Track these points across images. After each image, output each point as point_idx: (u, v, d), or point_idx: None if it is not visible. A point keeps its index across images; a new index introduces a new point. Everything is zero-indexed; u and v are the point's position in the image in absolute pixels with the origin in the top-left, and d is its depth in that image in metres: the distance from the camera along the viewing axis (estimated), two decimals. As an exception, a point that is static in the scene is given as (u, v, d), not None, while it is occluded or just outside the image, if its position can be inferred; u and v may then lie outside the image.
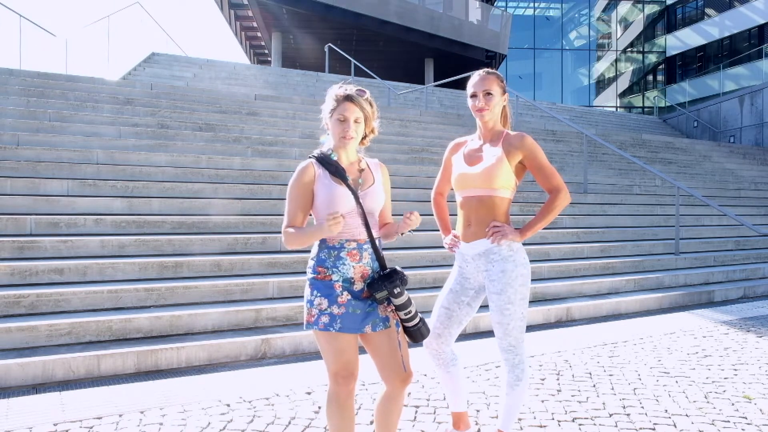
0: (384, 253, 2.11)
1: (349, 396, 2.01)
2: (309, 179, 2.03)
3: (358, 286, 2.01)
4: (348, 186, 2.00)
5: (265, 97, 10.04)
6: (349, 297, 1.98)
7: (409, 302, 2.01)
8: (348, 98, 2.02)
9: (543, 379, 3.47)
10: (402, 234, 2.11)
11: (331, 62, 16.26)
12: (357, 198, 2.01)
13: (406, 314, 2.01)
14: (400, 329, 2.08)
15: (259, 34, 28.51)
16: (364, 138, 2.14)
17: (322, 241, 2.03)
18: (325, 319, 1.96)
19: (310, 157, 2.08)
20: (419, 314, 2.07)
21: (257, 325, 4.37)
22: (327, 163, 2.03)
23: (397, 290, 1.95)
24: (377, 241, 2.08)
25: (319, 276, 2.01)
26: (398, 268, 2.00)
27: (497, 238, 2.25)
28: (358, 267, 2.00)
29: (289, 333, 4.20)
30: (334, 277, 1.99)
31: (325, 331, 1.96)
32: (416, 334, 2.06)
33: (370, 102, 2.08)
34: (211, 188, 6.08)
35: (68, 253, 4.63)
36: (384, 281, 1.94)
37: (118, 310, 4.13)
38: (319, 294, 1.99)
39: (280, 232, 5.66)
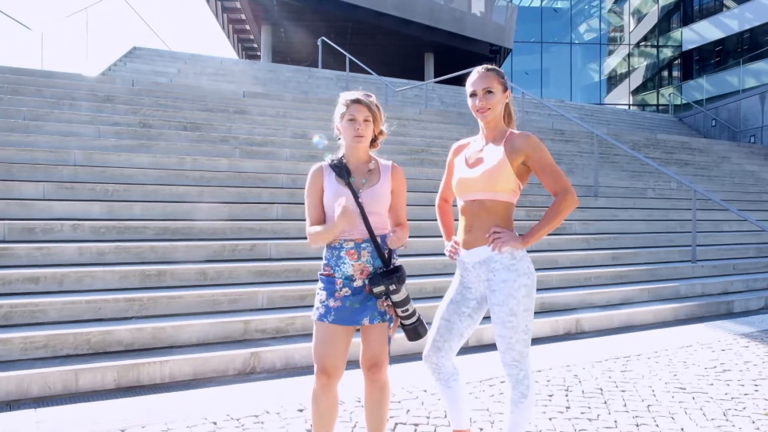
0: None
1: (321, 389, 2.25)
2: (317, 179, 2.36)
3: (359, 282, 2.27)
4: (348, 185, 2.27)
5: (254, 95, 10.07)
6: (349, 292, 2.26)
7: (407, 300, 2.27)
8: (356, 101, 2.30)
9: (551, 395, 3.49)
10: (389, 247, 2.31)
11: (325, 57, 16.31)
12: (356, 197, 2.25)
13: (403, 311, 2.27)
14: (394, 325, 2.33)
15: (247, 27, 28.56)
16: (374, 140, 2.41)
17: (328, 243, 2.31)
18: (321, 310, 2.27)
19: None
20: (418, 314, 2.33)
21: (246, 338, 4.37)
22: (335, 164, 2.34)
23: (393, 287, 2.20)
24: (379, 239, 2.29)
25: (325, 273, 2.32)
26: (401, 265, 2.27)
27: (498, 245, 2.25)
28: (357, 265, 2.26)
29: (280, 346, 4.22)
30: (337, 275, 2.28)
31: (318, 321, 2.28)
32: (411, 332, 2.32)
33: (377, 105, 2.35)
34: (196, 191, 6.09)
35: (44, 260, 4.63)
36: (382, 277, 2.20)
37: (97, 322, 4.13)
38: (322, 288, 2.31)
39: (270, 239, 5.70)
